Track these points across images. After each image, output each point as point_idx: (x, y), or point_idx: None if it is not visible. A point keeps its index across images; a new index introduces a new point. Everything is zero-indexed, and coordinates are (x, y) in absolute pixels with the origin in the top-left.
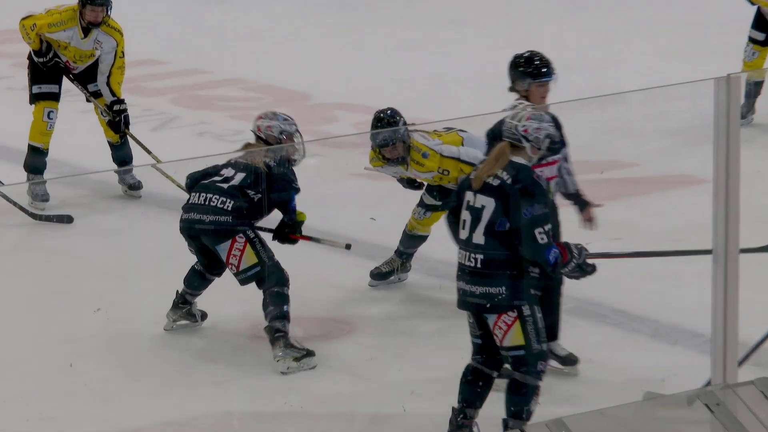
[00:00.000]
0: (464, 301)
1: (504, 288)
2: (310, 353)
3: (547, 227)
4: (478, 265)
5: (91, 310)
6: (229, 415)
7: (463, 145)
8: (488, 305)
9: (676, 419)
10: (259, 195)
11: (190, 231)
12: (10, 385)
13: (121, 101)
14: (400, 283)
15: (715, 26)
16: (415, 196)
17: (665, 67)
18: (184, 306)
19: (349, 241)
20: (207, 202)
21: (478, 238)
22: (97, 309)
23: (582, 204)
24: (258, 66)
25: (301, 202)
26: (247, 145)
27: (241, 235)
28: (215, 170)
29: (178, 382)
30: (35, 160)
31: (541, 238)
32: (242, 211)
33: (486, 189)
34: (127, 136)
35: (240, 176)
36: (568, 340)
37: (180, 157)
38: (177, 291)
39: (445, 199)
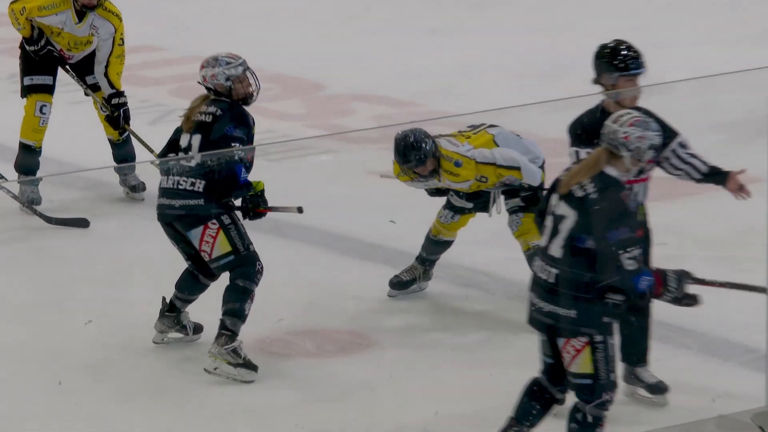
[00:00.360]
0: (532, 317)
1: (574, 311)
2: (249, 365)
3: (636, 252)
4: (551, 280)
5: (82, 322)
6: None
7: (495, 144)
8: (554, 326)
9: None
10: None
11: (164, 218)
12: None
13: (120, 94)
14: (422, 292)
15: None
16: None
17: (715, 54)
18: (171, 314)
19: (367, 247)
20: (176, 186)
21: (556, 250)
22: (88, 321)
23: (722, 177)
24: (266, 53)
25: (313, 202)
26: (198, 98)
27: (214, 221)
28: (176, 137)
29: (176, 403)
30: (27, 160)
31: (629, 263)
32: (215, 189)
33: (570, 198)
34: (129, 133)
35: (197, 139)
36: None
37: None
38: (163, 297)
39: (476, 200)
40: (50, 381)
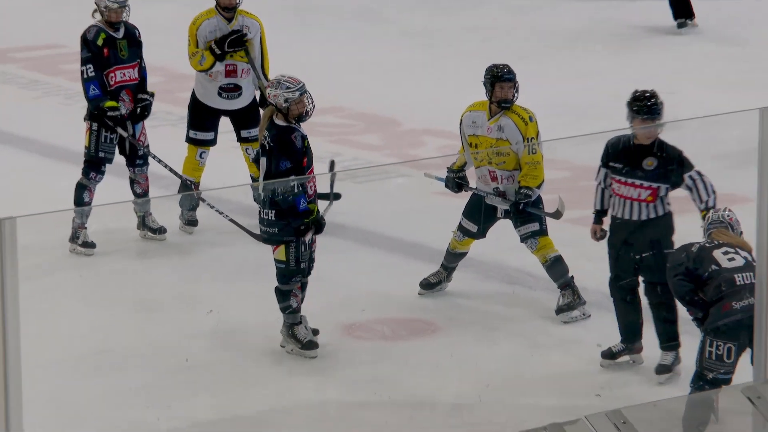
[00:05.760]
0: None
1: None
2: (310, 345)
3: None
4: None
5: (203, 312)
6: (325, 404)
7: None
8: None
9: (722, 410)
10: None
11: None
12: (134, 378)
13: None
14: (482, 288)
15: (759, 62)
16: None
17: (715, 98)
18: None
19: (433, 252)
20: (260, 214)
21: None
22: (209, 311)
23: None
24: (354, 95)
25: (390, 216)
26: (267, 112)
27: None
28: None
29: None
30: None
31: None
32: (286, 215)
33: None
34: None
35: (263, 162)
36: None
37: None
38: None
39: (484, 224)
40: (179, 360)
